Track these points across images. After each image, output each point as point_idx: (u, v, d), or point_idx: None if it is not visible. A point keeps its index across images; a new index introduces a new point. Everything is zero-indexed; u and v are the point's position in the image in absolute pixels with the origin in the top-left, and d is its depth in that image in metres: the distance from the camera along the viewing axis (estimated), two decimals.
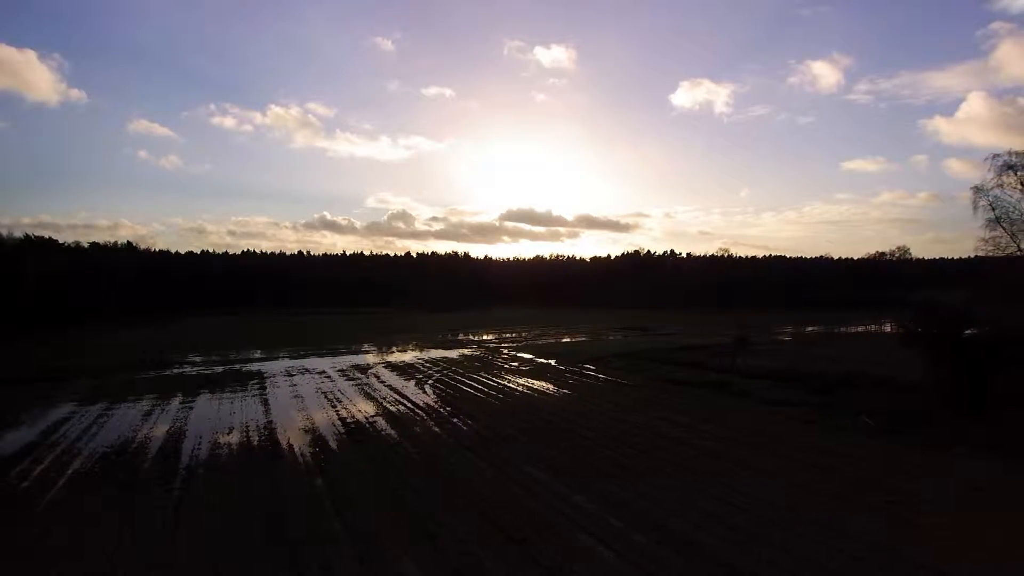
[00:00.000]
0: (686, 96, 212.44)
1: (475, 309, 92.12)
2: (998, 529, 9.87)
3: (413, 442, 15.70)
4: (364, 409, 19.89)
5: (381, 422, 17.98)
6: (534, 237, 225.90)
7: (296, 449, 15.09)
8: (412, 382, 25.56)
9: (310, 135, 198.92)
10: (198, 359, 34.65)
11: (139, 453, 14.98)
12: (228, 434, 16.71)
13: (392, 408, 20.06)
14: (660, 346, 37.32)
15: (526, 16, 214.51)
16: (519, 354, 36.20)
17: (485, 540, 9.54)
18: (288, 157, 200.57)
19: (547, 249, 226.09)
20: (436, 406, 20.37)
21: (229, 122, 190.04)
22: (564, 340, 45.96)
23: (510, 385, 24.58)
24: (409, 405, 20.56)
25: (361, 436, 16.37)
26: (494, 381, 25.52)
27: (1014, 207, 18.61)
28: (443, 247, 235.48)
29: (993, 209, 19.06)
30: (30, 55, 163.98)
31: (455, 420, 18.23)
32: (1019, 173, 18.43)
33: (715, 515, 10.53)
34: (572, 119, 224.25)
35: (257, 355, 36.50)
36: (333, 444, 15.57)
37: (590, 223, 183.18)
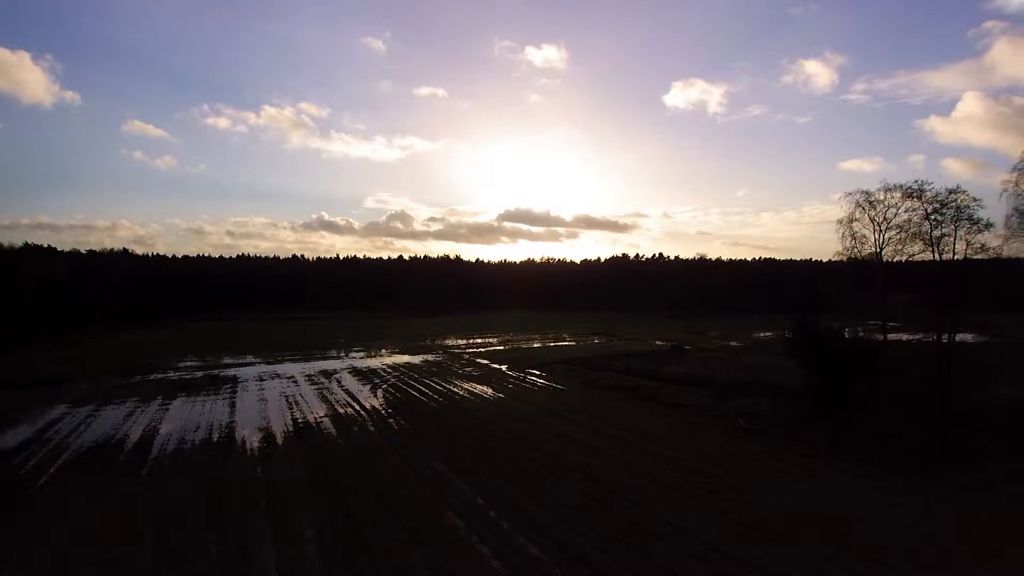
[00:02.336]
0: (679, 96, 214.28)
1: (462, 313, 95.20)
2: (794, 519, 11.84)
3: (348, 439, 18.79)
4: (316, 411, 22.97)
5: (327, 422, 21.07)
6: (533, 237, 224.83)
7: (248, 444, 18.20)
8: (368, 386, 28.65)
9: (304, 135, 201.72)
10: (183, 364, 37.74)
11: (118, 446, 18.10)
12: (194, 431, 19.82)
13: (341, 410, 23.14)
14: (610, 352, 40.38)
15: (515, 16, 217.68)
16: (478, 360, 39.30)
17: (370, 514, 12.60)
18: (284, 157, 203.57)
19: (547, 250, 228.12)
20: (380, 408, 23.45)
21: (223, 123, 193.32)
22: (528, 346, 49.02)
23: (454, 389, 27.67)
24: (357, 408, 23.64)
25: (306, 434, 19.45)
26: (441, 386, 28.60)
27: (867, 238, 21.67)
28: (442, 247, 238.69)
29: (853, 238, 22.13)
30: (23, 56, 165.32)
31: (391, 421, 21.31)
32: (869, 211, 21.52)
33: (559, 497, 13.57)
34: (566, 119, 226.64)
35: (239, 360, 39.60)
36: (280, 440, 18.67)
37: (589, 223, 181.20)
